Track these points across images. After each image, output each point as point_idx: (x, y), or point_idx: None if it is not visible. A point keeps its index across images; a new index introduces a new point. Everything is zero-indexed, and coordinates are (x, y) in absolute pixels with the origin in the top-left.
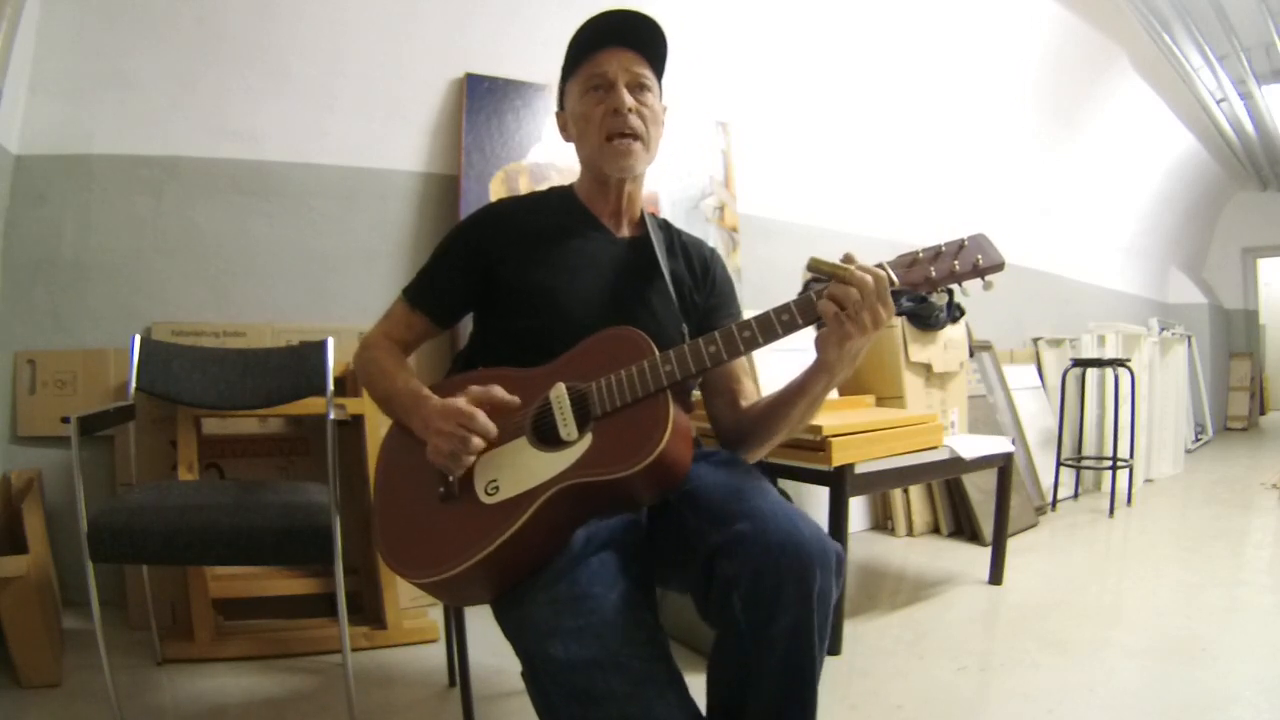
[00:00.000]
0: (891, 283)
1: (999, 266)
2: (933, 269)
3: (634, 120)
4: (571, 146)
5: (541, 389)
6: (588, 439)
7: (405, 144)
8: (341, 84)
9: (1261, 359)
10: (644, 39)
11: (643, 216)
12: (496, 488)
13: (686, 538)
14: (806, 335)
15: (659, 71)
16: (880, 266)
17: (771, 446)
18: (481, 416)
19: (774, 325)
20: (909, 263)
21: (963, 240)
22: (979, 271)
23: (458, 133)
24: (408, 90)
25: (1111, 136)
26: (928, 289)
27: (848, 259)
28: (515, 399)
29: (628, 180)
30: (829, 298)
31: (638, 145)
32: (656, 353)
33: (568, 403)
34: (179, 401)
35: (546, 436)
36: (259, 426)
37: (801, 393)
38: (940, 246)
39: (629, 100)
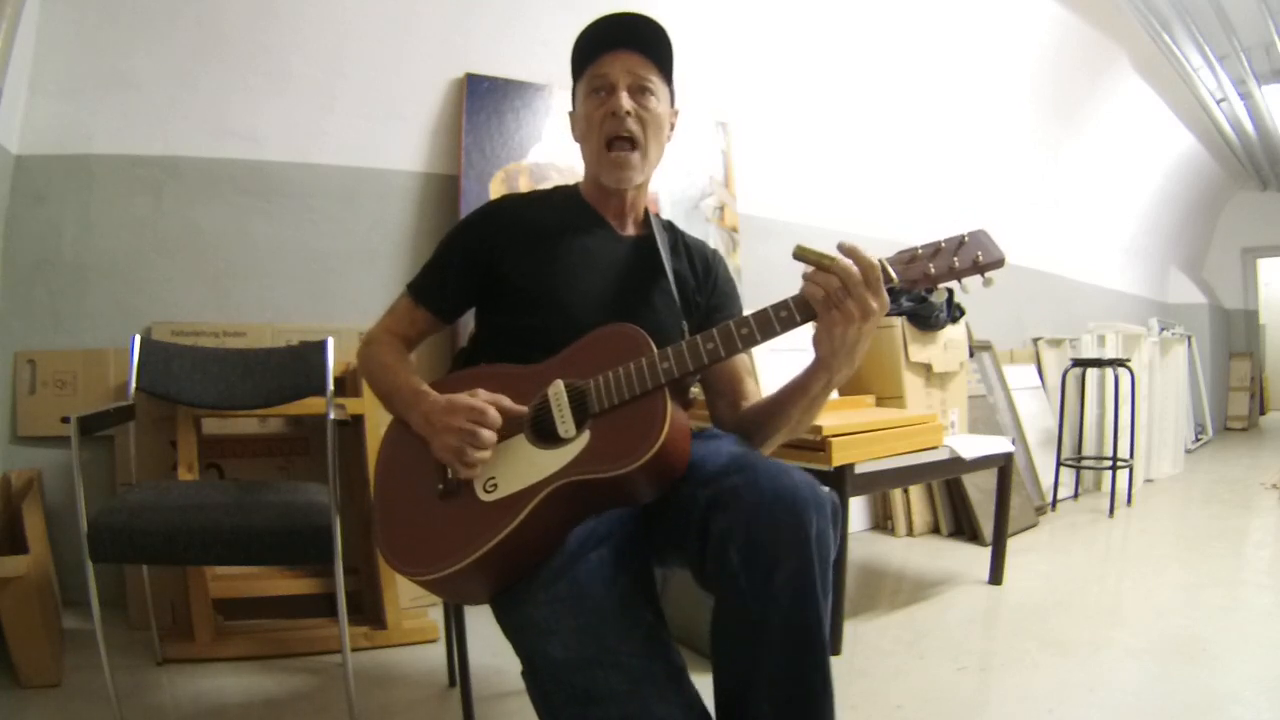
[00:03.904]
0: (890, 279)
1: (999, 263)
2: (932, 265)
3: (631, 124)
4: (577, 146)
5: (540, 386)
6: (586, 436)
7: (405, 144)
8: (341, 84)
9: (1261, 359)
10: (647, 40)
11: (647, 216)
12: (495, 485)
13: (681, 506)
14: (809, 338)
15: (666, 73)
16: (879, 263)
17: (772, 447)
18: (492, 412)
19: (772, 322)
20: (908, 259)
21: (963, 236)
22: (979, 268)
23: (458, 133)
24: (408, 90)
25: (1111, 136)
26: (927, 286)
27: (843, 248)
28: (522, 409)
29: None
30: (811, 282)
31: (635, 156)
32: (655, 350)
33: (566, 400)
34: (179, 401)
35: (545, 433)
36: (259, 426)
37: (801, 391)
38: (940, 243)
39: (626, 104)
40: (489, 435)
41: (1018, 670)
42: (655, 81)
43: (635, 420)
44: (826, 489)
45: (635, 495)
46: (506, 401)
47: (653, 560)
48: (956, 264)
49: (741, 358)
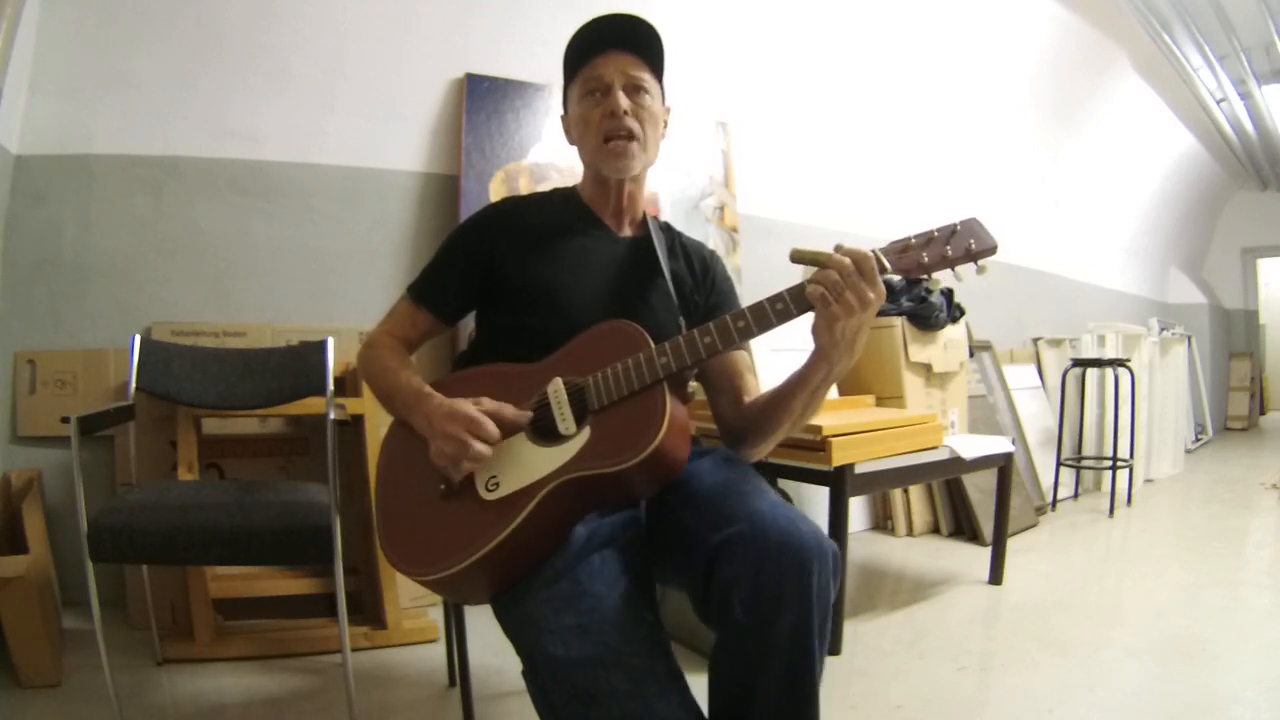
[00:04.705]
0: (884, 269)
1: (991, 250)
2: (925, 254)
3: (630, 122)
4: (573, 148)
5: (539, 384)
6: (585, 433)
7: (405, 144)
8: (341, 84)
9: (1261, 359)
10: (640, 41)
11: (644, 217)
12: (496, 484)
13: (685, 539)
14: (807, 337)
15: (658, 72)
16: (873, 253)
17: (774, 443)
18: (488, 424)
19: (768, 314)
20: (901, 249)
21: (955, 225)
22: (972, 255)
23: (458, 133)
24: (408, 90)
25: (1111, 136)
26: (921, 274)
27: (836, 248)
28: (527, 414)
29: (627, 181)
30: (813, 282)
31: (634, 145)
32: (652, 345)
33: (565, 397)
34: (179, 401)
35: (545, 431)
36: (259, 426)
37: (802, 384)
38: (932, 232)
39: (624, 103)
40: (479, 448)
41: (1018, 670)
42: (649, 80)
43: (635, 416)
44: (829, 539)
45: (635, 491)
46: (509, 411)
47: (653, 573)
48: (949, 252)
49: (741, 354)
